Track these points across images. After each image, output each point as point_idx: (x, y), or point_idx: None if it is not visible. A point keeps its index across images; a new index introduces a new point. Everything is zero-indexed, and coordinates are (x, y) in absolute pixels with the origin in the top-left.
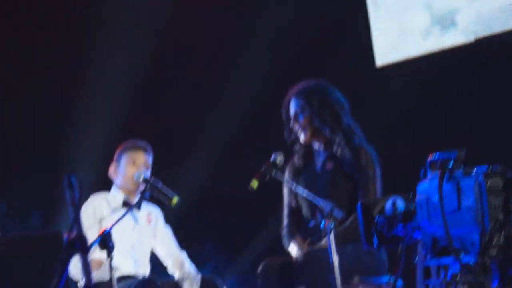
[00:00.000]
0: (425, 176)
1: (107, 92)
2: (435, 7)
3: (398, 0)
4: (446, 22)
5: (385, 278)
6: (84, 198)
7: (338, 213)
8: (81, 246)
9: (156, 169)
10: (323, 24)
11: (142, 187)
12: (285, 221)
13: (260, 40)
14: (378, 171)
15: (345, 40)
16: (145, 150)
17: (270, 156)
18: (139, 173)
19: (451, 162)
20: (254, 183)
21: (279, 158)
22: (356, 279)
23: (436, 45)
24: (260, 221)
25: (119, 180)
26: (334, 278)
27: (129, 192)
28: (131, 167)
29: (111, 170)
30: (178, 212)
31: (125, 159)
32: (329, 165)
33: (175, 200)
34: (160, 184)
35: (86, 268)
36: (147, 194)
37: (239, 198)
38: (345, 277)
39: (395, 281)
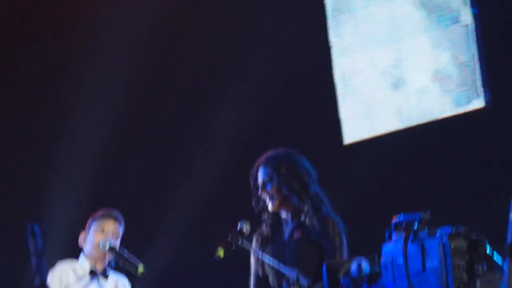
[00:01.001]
0: (390, 237)
1: (77, 161)
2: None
3: (366, 80)
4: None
5: None
6: (50, 262)
7: (304, 281)
8: None
9: (125, 240)
10: (292, 98)
11: (109, 255)
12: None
13: (227, 114)
14: (344, 241)
15: (312, 115)
16: (115, 219)
17: (237, 225)
18: (105, 241)
19: (416, 223)
20: (220, 252)
21: (245, 226)
22: None
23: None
24: None
25: (87, 248)
26: None
27: (95, 261)
28: (99, 234)
29: (81, 238)
30: (147, 285)
31: (94, 227)
32: (297, 234)
33: (141, 268)
34: (125, 253)
35: None
36: (112, 262)
37: (209, 270)
38: None
39: None
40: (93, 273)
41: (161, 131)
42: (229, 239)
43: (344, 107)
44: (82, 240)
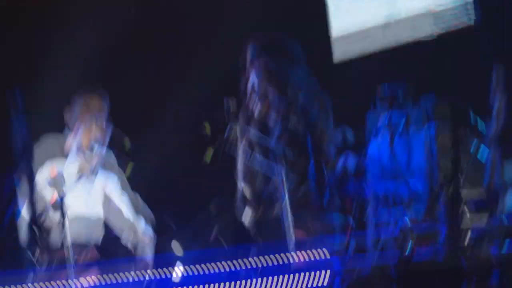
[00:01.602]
0: (374, 106)
1: None
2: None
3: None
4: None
5: (338, 239)
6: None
7: (290, 154)
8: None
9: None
10: (283, 16)
11: (96, 158)
12: (240, 185)
13: (216, 27)
14: (331, 115)
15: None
16: (99, 94)
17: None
18: (93, 144)
19: (400, 94)
20: (208, 155)
21: (231, 102)
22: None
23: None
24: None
25: (73, 128)
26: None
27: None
28: (86, 133)
29: (66, 115)
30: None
31: (79, 104)
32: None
33: (127, 144)
34: (111, 130)
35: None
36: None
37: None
38: (299, 242)
39: (348, 241)
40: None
41: (159, 32)
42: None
43: (335, 25)
44: (67, 117)
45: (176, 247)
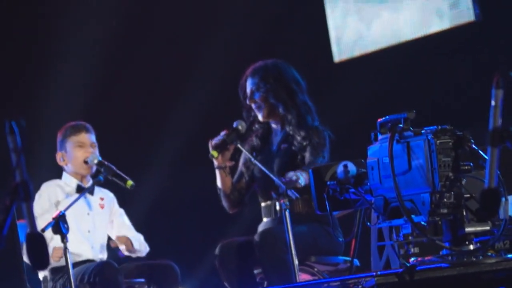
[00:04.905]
0: (375, 139)
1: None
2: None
3: None
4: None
5: (341, 258)
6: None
7: (293, 193)
8: (24, 192)
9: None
10: (282, 17)
11: (94, 169)
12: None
13: (217, 31)
14: (327, 147)
15: (302, 34)
16: (86, 129)
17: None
18: (93, 156)
19: (401, 123)
20: (214, 153)
21: (241, 125)
22: (312, 258)
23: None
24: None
25: (70, 167)
26: (290, 258)
27: (81, 177)
28: (79, 150)
29: (58, 157)
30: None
31: (70, 144)
32: (284, 145)
33: (130, 182)
34: (114, 167)
35: (30, 215)
36: (102, 177)
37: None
38: (302, 257)
39: (352, 260)
40: (80, 189)
41: (157, 51)
42: (224, 137)
43: (333, 25)
44: (61, 160)
45: None
